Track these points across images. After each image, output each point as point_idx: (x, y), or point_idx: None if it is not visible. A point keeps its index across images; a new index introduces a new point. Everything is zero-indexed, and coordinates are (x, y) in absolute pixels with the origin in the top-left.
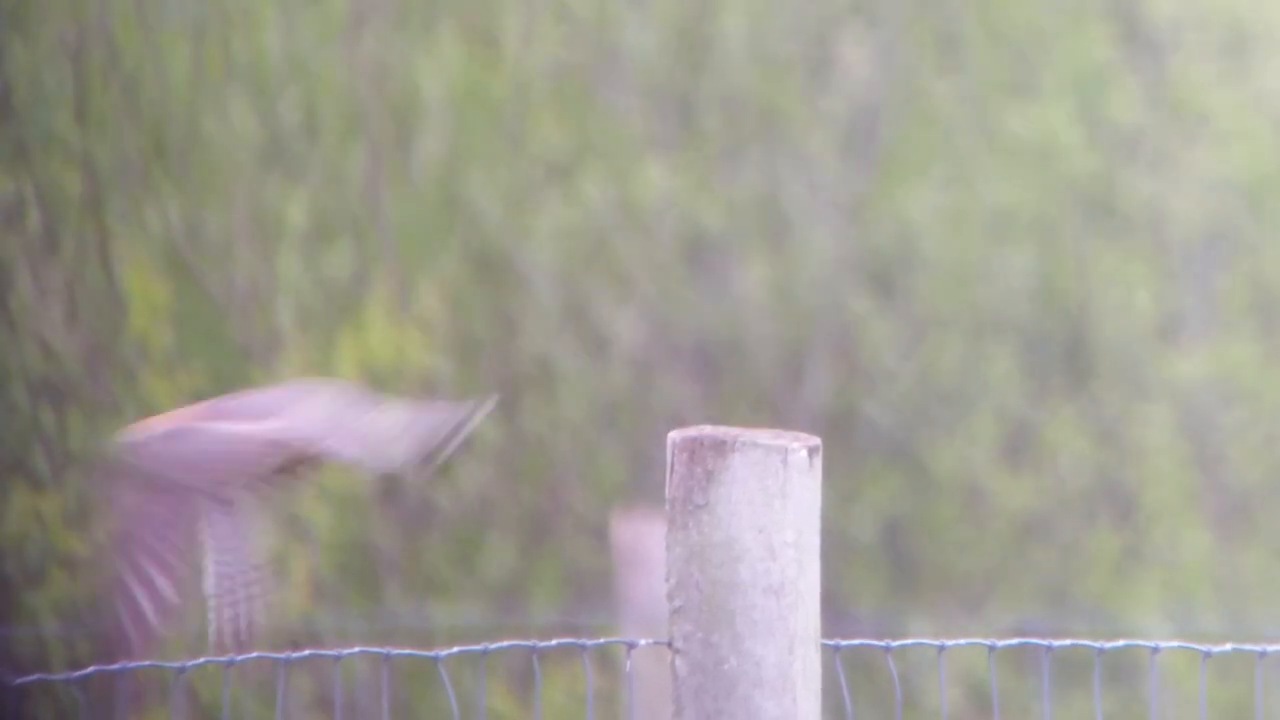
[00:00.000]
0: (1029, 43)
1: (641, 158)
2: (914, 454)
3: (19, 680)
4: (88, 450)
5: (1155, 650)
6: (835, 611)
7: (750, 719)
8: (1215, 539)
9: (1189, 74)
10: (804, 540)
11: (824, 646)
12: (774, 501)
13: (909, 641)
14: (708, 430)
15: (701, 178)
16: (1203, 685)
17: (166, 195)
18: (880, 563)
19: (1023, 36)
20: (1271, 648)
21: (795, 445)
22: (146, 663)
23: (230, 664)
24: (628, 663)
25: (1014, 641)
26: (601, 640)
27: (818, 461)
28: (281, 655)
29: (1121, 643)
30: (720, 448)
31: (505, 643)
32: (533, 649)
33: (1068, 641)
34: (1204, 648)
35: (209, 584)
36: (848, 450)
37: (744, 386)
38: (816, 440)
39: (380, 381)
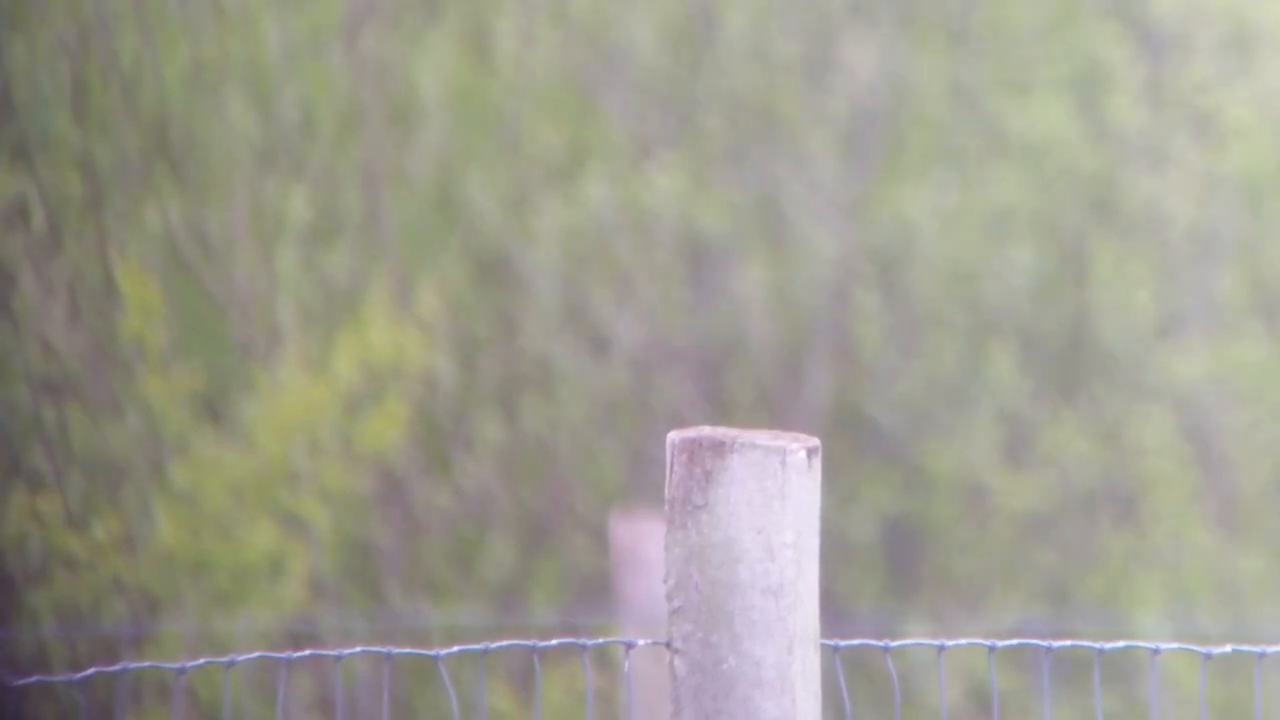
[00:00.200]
0: (1030, 41)
1: (641, 158)
2: (914, 454)
3: (19, 681)
4: (89, 450)
5: (1155, 652)
6: (835, 612)
7: (749, 719)
8: (1217, 539)
9: (1191, 72)
10: (803, 541)
11: (823, 647)
12: (773, 502)
13: (908, 642)
14: (707, 431)
15: (701, 178)
16: (1203, 686)
17: (166, 194)
18: (880, 563)
19: (1023, 34)
20: (1271, 649)
21: (794, 446)
22: (146, 663)
23: (230, 664)
24: (627, 663)
25: (1013, 642)
26: (601, 640)
27: (817, 462)
28: (282, 655)
29: (1121, 644)
30: (719, 448)
31: (505, 642)
32: (533, 649)
33: (1067, 642)
34: (1204, 649)
35: None
36: (848, 450)
37: (744, 387)
38: (815, 441)
39: (379, 381)
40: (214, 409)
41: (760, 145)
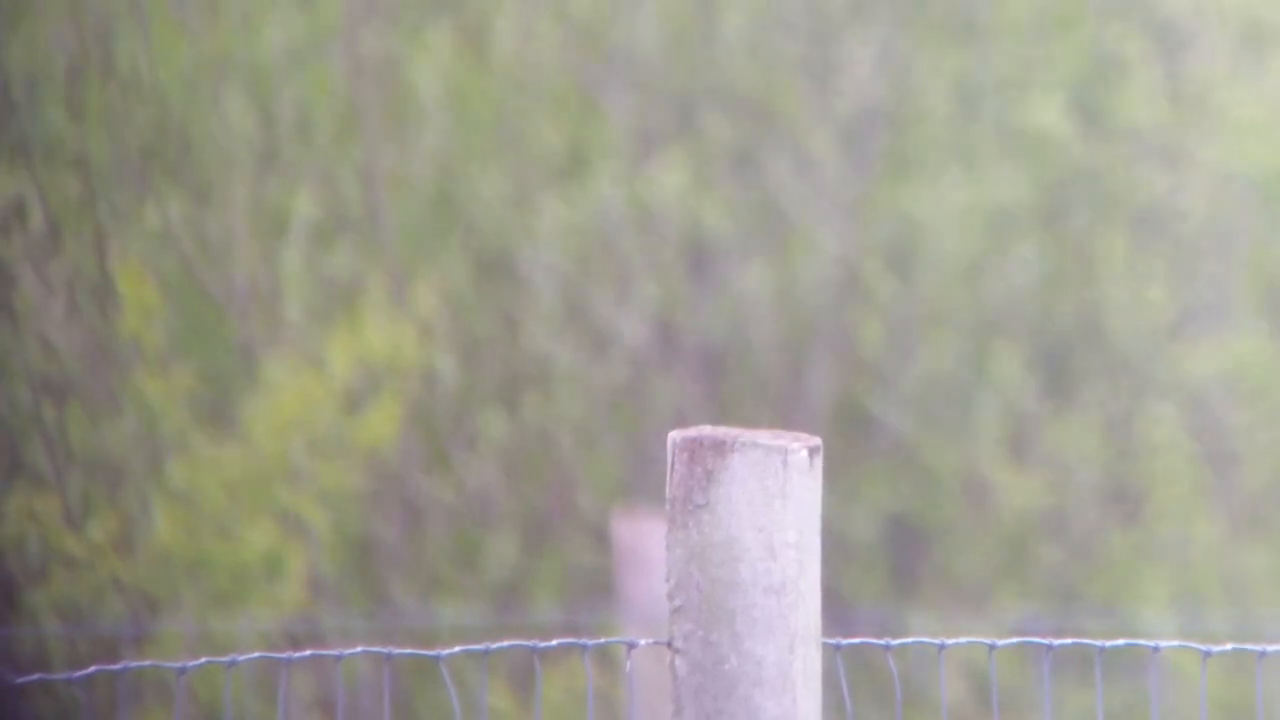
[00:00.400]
0: (1034, 38)
1: (643, 157)
2: (919, 452)
3: (19, 680)
4: (88, 450)
5: (1156, 649)
6: (836, 610)
7: (750, 718)
8: (1224, 537)
9: (1202, 68)
10: (805, 540)
11: (825, 645)
12: (774, 502)
13: (910, 640)
14: (708, 430)
15: (703, 176)
16: (1203, 684)
17: (165, 194)
18: (883, 561)
19: (1030, 30)
20: (1271, 648)
21: (795, 445)
22: (147, 662)
23: (231, 664)
24: (628, 662)
25: (1013, 641)
26: (602, 640)
27: (818, 462)
28: (283, 655)
29: (1122, 641)
30: (720, 448)
31: (506, 642)
32: (533, 648)
33: (1068, 640)
34: (1204, 647)
35: None
36: (852, 448)
37: (746, 386)
38: (817, 440)
39: (377, 379)
40: (213, 408)
41: (762, 144)
